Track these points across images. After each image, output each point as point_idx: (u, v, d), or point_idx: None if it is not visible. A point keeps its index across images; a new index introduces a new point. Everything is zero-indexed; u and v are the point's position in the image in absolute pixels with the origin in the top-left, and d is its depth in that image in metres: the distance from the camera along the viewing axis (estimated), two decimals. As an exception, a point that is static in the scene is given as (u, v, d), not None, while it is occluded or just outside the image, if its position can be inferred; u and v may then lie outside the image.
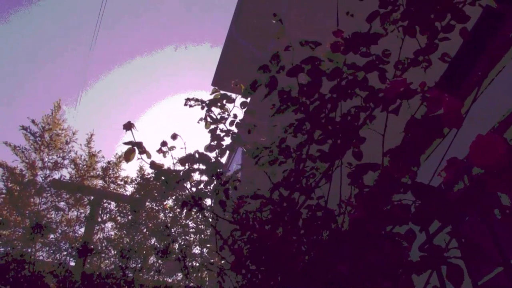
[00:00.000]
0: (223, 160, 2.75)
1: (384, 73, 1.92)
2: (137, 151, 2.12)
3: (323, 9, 7.17)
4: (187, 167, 2.22)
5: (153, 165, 2.15)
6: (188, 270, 2.86)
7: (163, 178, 2.34)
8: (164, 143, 2.29)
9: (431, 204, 1.59)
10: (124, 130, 2.03)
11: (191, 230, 12.12)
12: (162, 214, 12.39)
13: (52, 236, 11.43)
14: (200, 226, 11.80)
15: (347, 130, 1.80)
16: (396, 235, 1.85)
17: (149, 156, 2.05)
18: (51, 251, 11.10)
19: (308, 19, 7.49)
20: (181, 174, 2.16)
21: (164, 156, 2.27)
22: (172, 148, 2.30)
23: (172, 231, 11.65)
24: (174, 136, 2.26)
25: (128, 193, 12.70)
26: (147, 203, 12.24)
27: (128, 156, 2.10)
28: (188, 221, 11.54)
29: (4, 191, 11.44)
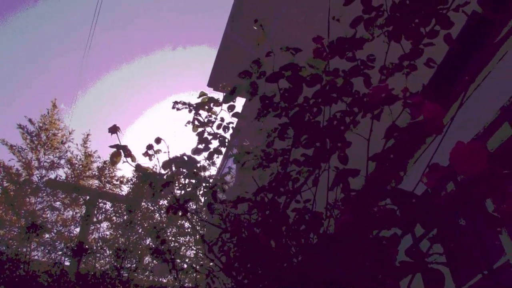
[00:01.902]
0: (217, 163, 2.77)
1: (369, 78, 1.93)
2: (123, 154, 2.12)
3: (323, 9, 7.14)
4: (172, 170, 2.22)
5: (138, 168, 2.15)
6: (177, 272, 2.87)
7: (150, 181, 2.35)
8: (150, 146, 2.29)
9: (410, 210, 1.59)
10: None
11: (187, 230, 12.11)
12: (157, 214, 12.39)
13: (47, 235, 11.42)
14: (196, 227, 11.79)
15: (331, 134, 1.80)
16: (383, 239, 1.86)
17: (134, 159, 2.05)
18: (46, 251, 11.08)
19: (308, 19, 7.46)
20: (164, 177, 2.17)
21: (150, 159, 2.28)
22: (158, 151, 2.30)
23: (168, 231, 11.64)
24: (158, 140, 2.26)
25: (123, 193, 12.70)
26: (142, 203, 12.23)
27: (114, 159, 2.10)
28: (183, 221, 11.52)
29: None
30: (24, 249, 10.63)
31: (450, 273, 2.56)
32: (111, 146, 2.05)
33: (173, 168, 2.17)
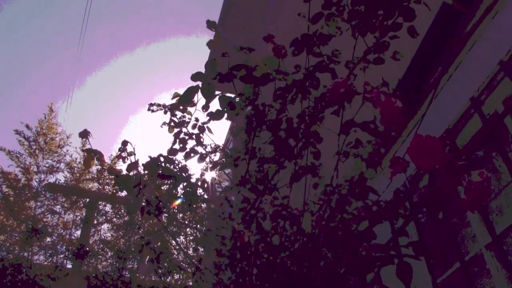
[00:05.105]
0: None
1: (335, 73, 1.93)
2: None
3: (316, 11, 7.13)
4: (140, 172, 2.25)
5: (110, 170, 2.17)
6: (163, 271, 2.90)
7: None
8: (123, 149, 2.30)
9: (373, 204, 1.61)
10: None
11: (188, 229, 12.13)
12: (158, 214, 12.41)
13: (48, 239, 11.48)
14: (197, 226, 11.80)
15: (297, 130, 1.81)
16: (361, 233, 1.87)
17: (103, 163, 2.07)
18: (48, 255, 11.15)
19: (295, 21, 7.45)
20: (134, 178, 2.19)
21: (124, 162, 2.29)
22: (131, 153, 2.31)
23: (168, 230, 11.63)
24: (125, 143, 2.27)
25: (123, 194, 12.73)
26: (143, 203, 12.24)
27: (87, 163, 2.12)
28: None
29: (-1, 196, 11.50)
30: (26, 254, 10.70)
31: (426, 266, 2.57)
32: (83, 150, 2.07)
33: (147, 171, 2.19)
